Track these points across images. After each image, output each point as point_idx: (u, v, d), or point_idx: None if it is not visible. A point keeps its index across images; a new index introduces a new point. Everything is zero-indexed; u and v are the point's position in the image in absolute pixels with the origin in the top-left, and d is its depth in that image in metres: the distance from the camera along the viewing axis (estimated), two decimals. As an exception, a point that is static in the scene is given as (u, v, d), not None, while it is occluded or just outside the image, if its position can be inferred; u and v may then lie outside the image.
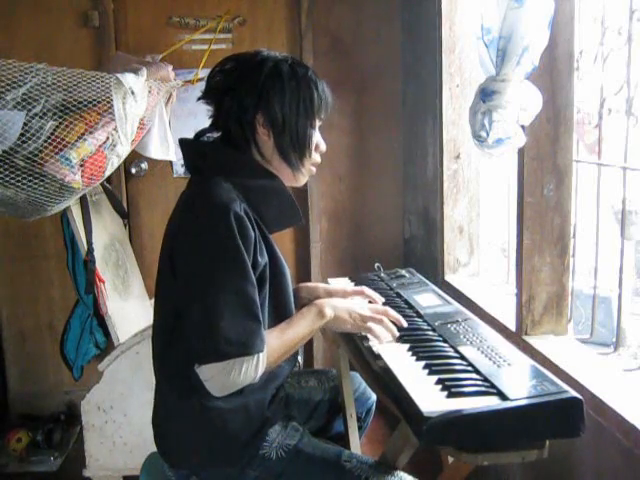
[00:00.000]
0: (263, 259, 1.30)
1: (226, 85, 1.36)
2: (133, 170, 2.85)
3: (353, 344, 1.49)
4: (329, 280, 1.91)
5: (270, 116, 1.33)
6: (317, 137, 1.42)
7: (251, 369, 1.22)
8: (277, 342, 1.31)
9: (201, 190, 1.32)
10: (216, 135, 1.43)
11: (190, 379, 1.24)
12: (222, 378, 1.21)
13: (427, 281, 1.83)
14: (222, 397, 1.26)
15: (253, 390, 1.32)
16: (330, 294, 1.57)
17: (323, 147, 1.44)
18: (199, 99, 1.42)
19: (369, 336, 1.42)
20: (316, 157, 1.43)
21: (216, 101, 1.38)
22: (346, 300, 1.50)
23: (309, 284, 1.65)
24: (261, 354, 1.23)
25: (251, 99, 1.33)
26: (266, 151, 1.37)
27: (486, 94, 1.57)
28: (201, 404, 1.29)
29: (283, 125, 1.34)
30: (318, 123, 1.41)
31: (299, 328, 1.36)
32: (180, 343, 1.31)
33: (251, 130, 1.35)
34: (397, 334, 1.40)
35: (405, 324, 1.44)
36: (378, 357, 1.34)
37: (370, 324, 1.40)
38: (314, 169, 1.45)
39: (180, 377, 1.31)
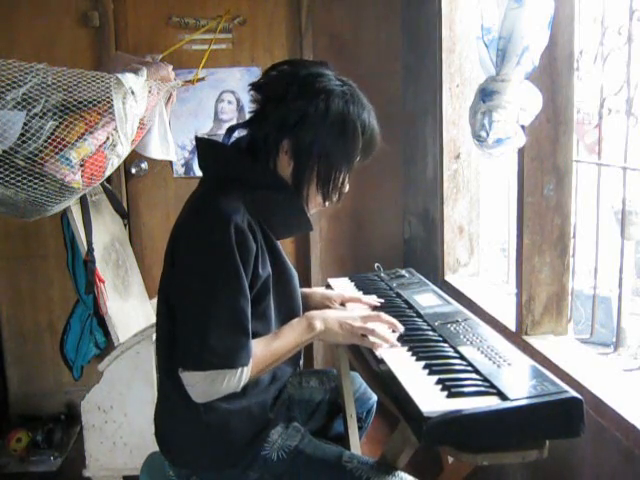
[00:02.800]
0: (265, 271, 1.30)
1: (274, 92, 1.30)
2: (133, 170, 2.85)
3: (353, 344, 1.48)
4: (329, 280, 1.91)
5: (296, 149, 1.29)
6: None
7: (233, 381, 1.22)
8: (263, 353, 1.29)
9: (207, 195, 1.30)
10: (238, 135, 1.40)
11: None
12: (204, 386, 1.21)
13: (427, 281, 1.83)
14: (225, 399, 1.26)
15: (255, 392, 1.32)
16: (327, 298, 1.58)
17: (345, 189, 1.39)
18: (250, 85, 1.35)
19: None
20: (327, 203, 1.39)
21: (262, 100, 1.33)
22: (338, 311, 1.49)
23: (306, 290, 1.62)
24: (245, 367, 1.23)
25: (286, 123, 1.27)
26: (284, 174, 1.33)
27: (486, 94, 1.56)
28: (205, 404, 1.29)
29: (306, 164, 1.30)
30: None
31: (287, 340, 1.33)
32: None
33: (275, 151, 1.31)
34: (393, 341, 1.35)
35: (401, 328, 1.40)
36: (378, 358, 1.34)
37: (362, 334, 1.37)
38: (315, 210, 1.41)
39: None
